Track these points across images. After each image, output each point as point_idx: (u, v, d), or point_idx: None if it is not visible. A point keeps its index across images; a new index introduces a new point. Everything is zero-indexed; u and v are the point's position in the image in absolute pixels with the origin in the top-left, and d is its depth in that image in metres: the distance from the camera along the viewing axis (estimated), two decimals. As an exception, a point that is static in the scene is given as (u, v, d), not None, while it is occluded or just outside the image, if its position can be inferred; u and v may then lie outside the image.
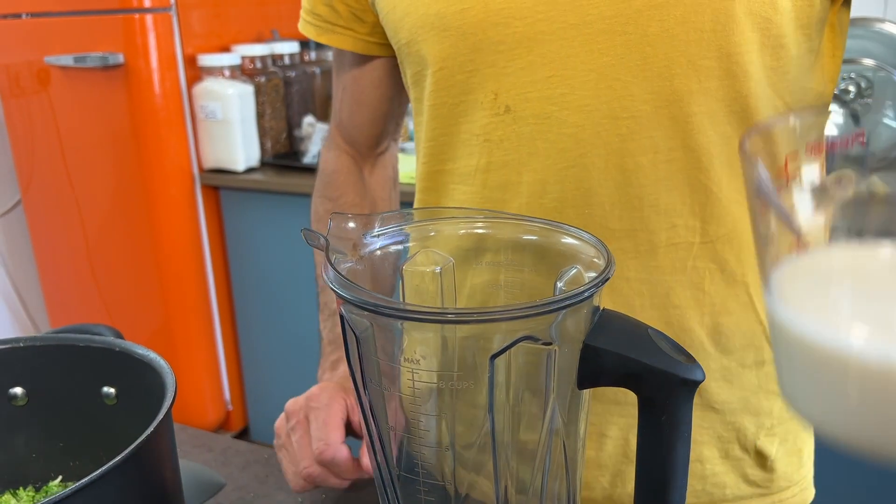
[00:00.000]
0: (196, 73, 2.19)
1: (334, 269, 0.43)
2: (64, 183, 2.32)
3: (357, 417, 0.69)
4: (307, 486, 0.67)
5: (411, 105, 0.73)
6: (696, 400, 0.64)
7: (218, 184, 2.25)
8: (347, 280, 0.42)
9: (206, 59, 2.15)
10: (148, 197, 2.21)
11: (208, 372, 2.43)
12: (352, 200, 0.84)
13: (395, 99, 0.81)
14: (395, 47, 0.69)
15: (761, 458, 0.67)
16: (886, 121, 1.91)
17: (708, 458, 0.66)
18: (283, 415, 0.71)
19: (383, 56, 0.76)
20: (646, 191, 0.60)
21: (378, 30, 0.72)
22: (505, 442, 0.45)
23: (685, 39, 0.57)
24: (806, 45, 0.60)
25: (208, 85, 2.15)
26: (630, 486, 0.54)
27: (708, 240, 0.62)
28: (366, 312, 0.42)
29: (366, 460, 0.65)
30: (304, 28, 0.78)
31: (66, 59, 2.11)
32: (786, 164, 0.32)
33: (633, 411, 0.44)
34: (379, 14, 0.69)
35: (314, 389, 0.71)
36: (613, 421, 0.65)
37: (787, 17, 0.57)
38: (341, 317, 0.45)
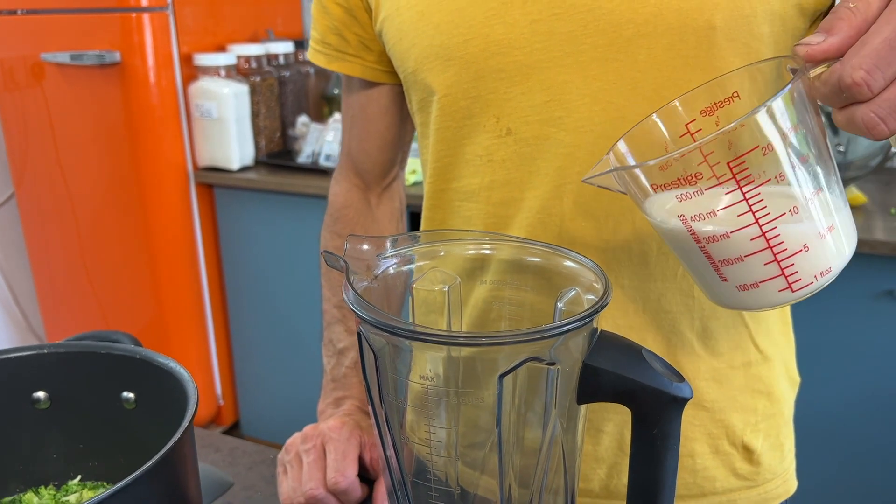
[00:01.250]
0: (192, 72, 2.21)
1: (354, 290, 0.47)
2: (57, 178, 2.33)
3: (369, 455, 0.74)
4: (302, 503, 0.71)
5: (417, 130, 0.77)
6: None
7: (212, 182, 2.28)
8: (365, 301, 0.46)
9: (202, 59, 2.17)
10: (142, 194, 2.23)
11: (200, 367, 2.46)
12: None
13: (402, 127, 0.85)
14: (401, 76, 0.72)
15: (748, 453, 0.72)
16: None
17: (699, 454, 0.71)
18: (297, 435, 0.75)
19: (390, 83, 0.80)
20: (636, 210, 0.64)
21: (385, 58, 0.76)
22: (509, 449, 0.49)
23: (671, 65, 0.61)
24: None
25: (204, 84, 2.17)
26: (625, 478, 0.58)
27: None
28: (383, 333, 0.45)
29: None
30: (314, 57, 0.81)
31: (63, 57, 2.13)
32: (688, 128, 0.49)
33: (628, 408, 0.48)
34: (385, 44, 0.72)
35: (334, 422, 0.76)
36: (609, 417, 0.69)
37: (765, 42, 0.61)
38: (359, 334, 0.48)
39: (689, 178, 0.44)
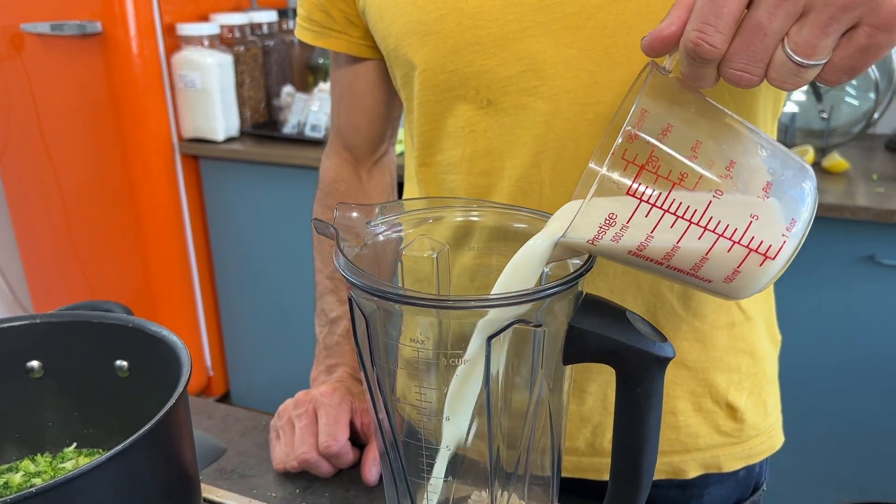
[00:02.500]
0: (175, 42, 2.18)
1: (345, 257, 0.48)
2: (40, 151, 2.31)
3: (360, 420, 0.77)
4: (295, 468, 0.74)
5: (404, 106, 0.77)
6: None
7: (197, 153, 2.27)
8: (356, 267, 0.47)
9: (185, 29, 2.15)
10: (127, 166, 2.22)
11: (189, 338, 2.47)
12: None
13: (390, 102, 0.85)
14: (384, 52, 0.73)
15: (731, 411, 0.74)
16: (848, 99, 1.98)
17: (681, 411, 0.73)
18: (289, 401, 0.77)
19: (376, 59, 0.80)
20: None
21: (370, 34, 0.76)
22: (498, 409, 0.50)
23: (641, 29, 0.61)
24: None
25: (187, 54, 2.15)
26: (610, 436, 0.60)
27: None
28: (373, 297, 0.46)
29: (367, 470, 0.75)
30: (301, 34, 0.81)
31: (43, 27, 2.10)
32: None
33: (611, 369, 0.49)
34: (368, 22, 0.73)
35: (325, 388, 0.77)
36: (593, 378, 0.71)
37: None
38: (350, 300, 0.49)
39: (610, 220, 0.45)
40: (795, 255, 0.47)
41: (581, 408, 0.72)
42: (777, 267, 0.46)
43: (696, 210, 0.44)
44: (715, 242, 0.45)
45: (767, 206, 0.46)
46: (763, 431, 0.77)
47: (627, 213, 0.44)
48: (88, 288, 2.46)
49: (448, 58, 0.66)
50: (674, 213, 0.44)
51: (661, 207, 0.44)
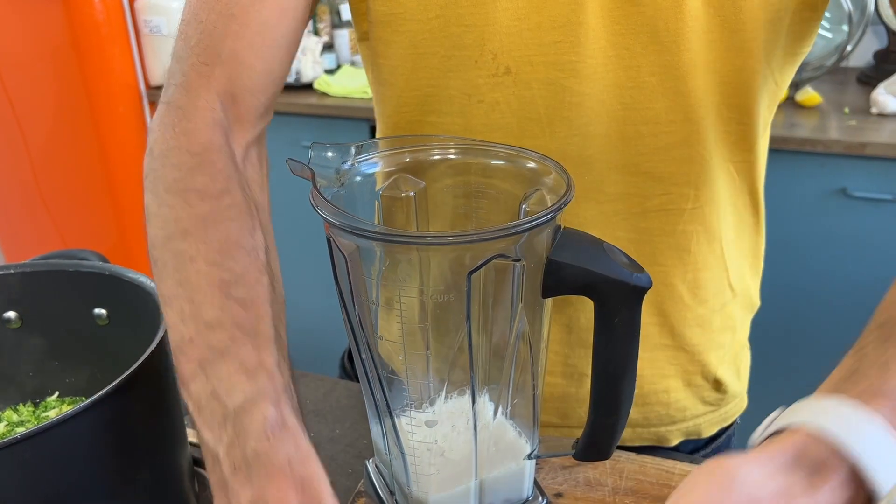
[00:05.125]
0: (137, -14, 2.12)
1: (322, 196, 0.47)
2: (3, 102, 2.25)
3: None
4: None
5: (375, 45, 0.64)
6: (669, 342, 0.70)
7: (166, 101, 2.22)
8: (334, 206, 0.47)
9: (147, -29, 2.08)
10: (94, 115, 2.17)
11: (166, 289, 2.45)
12: (239, 204, 0.53)
13: (296, 44, 0.62)
14: None
15: (717, 384, 0.74)
16: (821, 31, 1.97)
17: (673, 389, 0.73)
18: None
19: None
20: (643, 158, 0.63)
21: None
22: (479, 343, 0.51)
23: (694, 15, 0.58)
24: (801, 15, 0.62)
25: (151, -2, 2.09)
26: None
27: (698, 205, 0.65)
28: (352, 236, 0.46)
29: None
30: None
31: (-2, -28, 2.02)
32: None
33: None
34: None
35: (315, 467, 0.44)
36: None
37: None
38: (328, 240, 0.49)
39: None
40: None
41: (579, 391, 0.72)
42: None
43: None
44: None
45: None
46: (738, 395, 0.78)
47: None
48: (60, 240, 2.43)
49: (467, 9, 0.58)
50: None
51: None
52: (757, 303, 0.79)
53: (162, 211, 0.52)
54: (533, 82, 0.60)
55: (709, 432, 0.77)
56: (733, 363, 0.77)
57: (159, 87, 2.20)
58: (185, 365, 0.45)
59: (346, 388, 0.81)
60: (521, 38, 0.59)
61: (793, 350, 1.83)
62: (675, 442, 0.76)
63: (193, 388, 0.44)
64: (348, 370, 0.90)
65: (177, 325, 0.47)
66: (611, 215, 0.65)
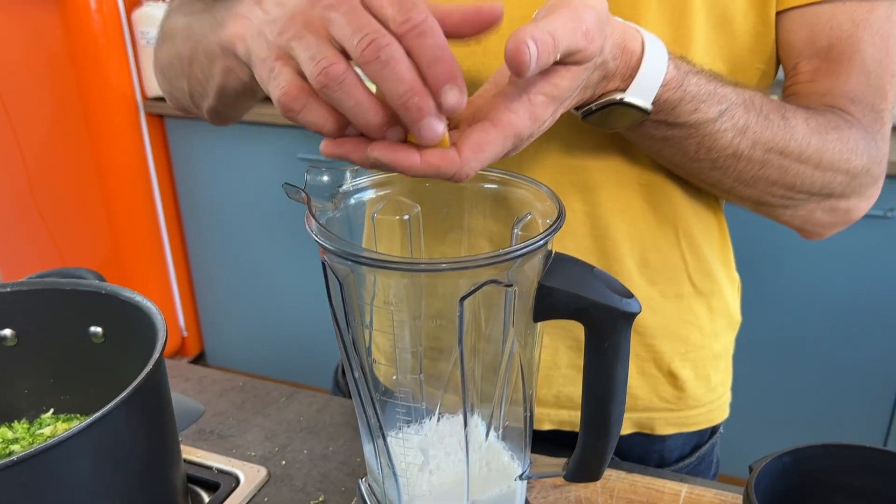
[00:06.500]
0: (135, -2, 2.13)
1: (317, 221, 0.48)
2: None
3: None
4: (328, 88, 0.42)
5: None
6: None
7: (163, 112, 2.23)
8: (328, 231, 0.48)
9: (145, -17, 2.09)
10: (91, 127, 2.18)
11: (161, 299, 2.46)
12: None
13: None
14: None
15: (673, 379, 0.75)
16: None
17: None
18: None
19: None
20: (594, 140, 0.66)
21: None
22: (471, 367, 0.52)
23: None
24: (754, 21, 0.64)
25: (148, 10, 2.10)
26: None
27: (644, 182, 0.68)
28: (347, 261, 0.47)
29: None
30: None
31: (-4, -17, 2.03)
32: None
33: None
34: None
35: None
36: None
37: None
38: (323, 264, 0.50)
39: None
40: None
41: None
42: None
43: None
44: None
45: None
46: (704, 404, 0.78)
47: None
48: (57, 253, 2.43)
49: None
50: None
51: None
52: (737, 318, 0.80)
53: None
54: (502, 56, 0.61)
55: (662, 430, 0.77)
56: (700, 367, 0.77)
57: (156, 99, 2.21)
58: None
59: (339, 404, 0.82)
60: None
61: (780, 365, 1.84)
62: (625, 431, 0.76)
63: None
64: (341, 385, 0.91)
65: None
66: (567, 186, 0.67)
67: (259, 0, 0.48)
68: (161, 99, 2.21)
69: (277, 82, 0.43)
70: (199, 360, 2.63)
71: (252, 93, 0.61)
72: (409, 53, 0.40)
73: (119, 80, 2.16)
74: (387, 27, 0.41)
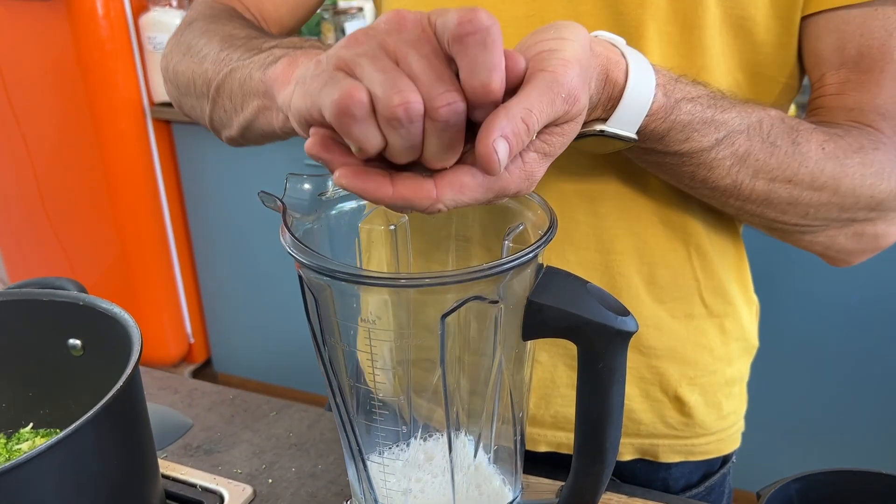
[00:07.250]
0: (142, 3, 2.12)
1: (291, 233, 0.45)
2: (8, 118, 2.26)
3: None
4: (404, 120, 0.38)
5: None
6: None
7: (170, 118, 2.22)
8: (303, 245, 0.45)
9: (152, -12, 2.09)
10: (98, 132, 2.17)
11: (169, 305, 2.44)
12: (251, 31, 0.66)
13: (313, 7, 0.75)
14: None
15: (680, 404, 0.70)
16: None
17: (628, 395, 0.69)
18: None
19: None
20: None
21: None
22: (455, 389, 0.49)
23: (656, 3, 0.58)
24: (777, 33, 0.61)
25: (155, 15, 2.09)
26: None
27: (654, 192, 0.64)
28: (323, 277, 0.44)
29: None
30: None
31: (4, -12, 2.03)
32: None
33: None
34: None
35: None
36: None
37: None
38: (300, 278, 0.47)
39: None
40: None
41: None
42: None
43: None
44: None
45: None
46: (713, 433, 0.73)
47: None
48: (65, 257, 2.42)
49: None
50: None
51: None
52: (754, 342, 0.75)
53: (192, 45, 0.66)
54: None
55: (666, 458, 0.73)
56: (710, 393, 0.72)
57: (163, 104, 2.20)
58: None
59: (330, 420, 0.79)
60: (495, 9, 0.59)
61: (794, 382, 1.80)
62: (627, 457, 0.72)
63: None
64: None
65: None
66: (572, 196, 0.64)
67: (322, 53, 0.44)
68: (168, 104, 2.20)
69: (340, 85, 0.38)
70: (206, 366, 2.61)
71: (276, 137, 0.60)
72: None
73: (126, 86, 2.15)
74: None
